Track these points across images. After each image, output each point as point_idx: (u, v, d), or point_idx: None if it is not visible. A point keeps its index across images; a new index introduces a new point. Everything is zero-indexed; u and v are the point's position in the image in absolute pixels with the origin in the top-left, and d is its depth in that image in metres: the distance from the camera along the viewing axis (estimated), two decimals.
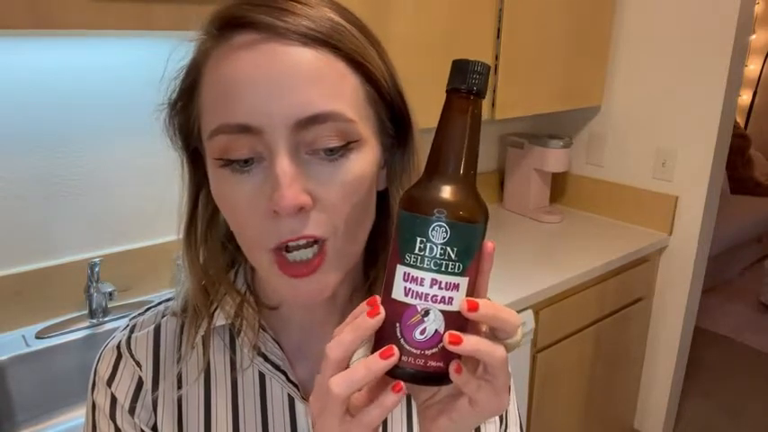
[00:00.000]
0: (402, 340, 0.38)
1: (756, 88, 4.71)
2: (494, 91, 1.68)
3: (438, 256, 0.37)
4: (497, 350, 0.39)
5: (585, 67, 1.99)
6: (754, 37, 4.50)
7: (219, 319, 0.53)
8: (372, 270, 0.54)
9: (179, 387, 0.54)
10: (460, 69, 0.39)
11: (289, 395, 0.54)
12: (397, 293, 0.38)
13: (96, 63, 1.28)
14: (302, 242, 0.44)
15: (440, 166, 0.39)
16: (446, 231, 0.37)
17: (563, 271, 1.67)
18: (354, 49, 0.45)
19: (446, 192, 0.38)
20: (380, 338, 0.39)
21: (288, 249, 0.44)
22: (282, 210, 0.42)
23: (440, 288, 0.38)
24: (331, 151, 0.43)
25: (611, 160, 2.13)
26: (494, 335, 0.40)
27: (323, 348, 0.55)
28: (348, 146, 0.44)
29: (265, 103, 0.42)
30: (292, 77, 0.42)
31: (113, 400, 0.54)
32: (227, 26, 0.44)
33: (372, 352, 0.39)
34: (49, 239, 1.30)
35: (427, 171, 0.40)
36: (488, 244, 0.40)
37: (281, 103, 0.42)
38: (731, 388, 2.70)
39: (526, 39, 1.72)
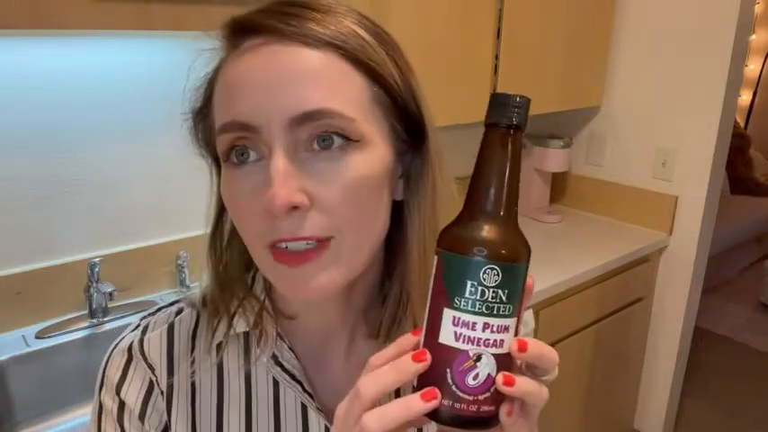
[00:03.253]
0: (454, 386, 0.36)
1: (756, 88, 4.71)
2: (494, 91, 1.68)
3: (490, 299, 0.36)
4: (543, 391, 0.38)
5: (585, 68, 1.99)
6: (754, 37, 4.50)
7: (240, 326, 0.53)
8: (387, 282, 0.53)
9: (193, 391, 0.54)
10: (499, 103, 0.38)
11: (302, 404, 0.53)
12: (446, 338, 0.37)
13: (96, 63, 1.28)
14: (301, 243, 0.43)
15: (485, 205, 0.38)
16: (498, 274, 0.36)
17: (563, 271, 1.67)
18: (360, 50, 0.45)
19: (495, 233, 0.37)
20: (427, 383, 0.37)
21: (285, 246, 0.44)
22: (274, 209, 0.41)
23: (491, 332, 0.36)
24: (325, 144, 0.43)
25: (611, 160, 2.13)
26: (533, 373, 0.39)
27: (337, 361, 0.54)
28: (345, 143, 0.43)
29: (262, 101, 0.42)
30: (289, 76, 0.42)
31: (122, 404, 0.53)
32: (237, 33, 0.45)
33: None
34: (49, 239, 1.30)
35: (470, 209, 0.38)
36: (529, 280, 0.39)
37: (276, 101, 0.42)
38: (731, 388, 2.70)
39: (526, 39, 1.72)
